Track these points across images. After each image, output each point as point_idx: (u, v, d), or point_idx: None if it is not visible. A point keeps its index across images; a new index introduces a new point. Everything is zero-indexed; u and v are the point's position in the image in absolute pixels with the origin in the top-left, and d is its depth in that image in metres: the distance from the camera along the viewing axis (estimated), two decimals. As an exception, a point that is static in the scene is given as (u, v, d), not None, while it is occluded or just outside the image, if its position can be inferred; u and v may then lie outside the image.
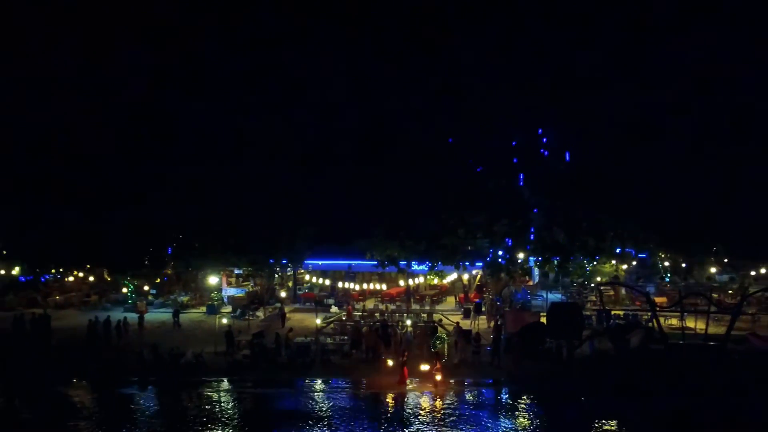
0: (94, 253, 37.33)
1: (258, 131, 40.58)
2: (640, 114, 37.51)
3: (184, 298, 40.99)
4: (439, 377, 23.47)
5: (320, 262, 41.79)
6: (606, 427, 19.78)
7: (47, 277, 45.52)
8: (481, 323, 32.45)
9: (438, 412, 20.71)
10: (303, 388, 23.51)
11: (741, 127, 38.36)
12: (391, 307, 37.45)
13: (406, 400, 22.00)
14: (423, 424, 19.45)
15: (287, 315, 35.33)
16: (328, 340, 28.41)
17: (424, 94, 41.24)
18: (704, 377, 22.38)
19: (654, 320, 26.19)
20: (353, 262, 39.87)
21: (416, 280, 41.51)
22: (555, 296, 40.11)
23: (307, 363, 25.90)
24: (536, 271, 40.86)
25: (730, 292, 39.11)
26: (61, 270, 42.81)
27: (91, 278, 44.19)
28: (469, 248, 34.86)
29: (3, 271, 43.62)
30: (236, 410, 21.35)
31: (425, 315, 34.52)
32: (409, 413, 20.55)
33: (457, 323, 29.28)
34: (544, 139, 34.87)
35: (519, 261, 34.90)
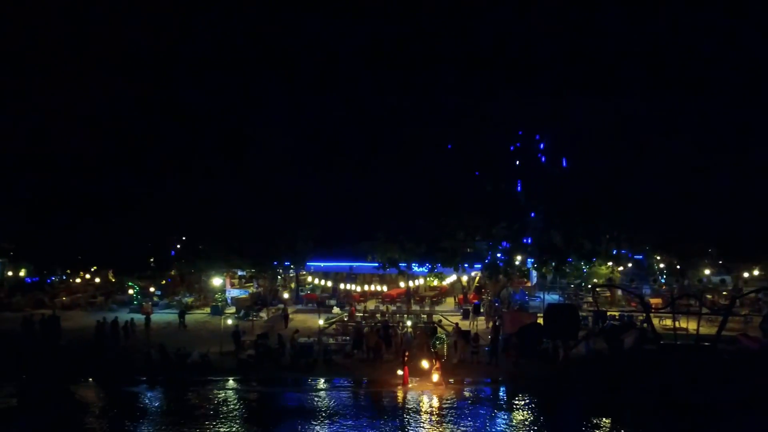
0: (101, 255, 38.03)
1: (261, 135, 41.22)
2: (635, 119, 38.17)
3: (189, 300, 41.58)
4: (438, 376, 24.07)
5: (322, 264, 42.39)
6: (600, 424, 20.49)
7: (53, 278, 46.36)
8: (480, 324, 33.00)
9: (438, 410, 21.44)
10: (307, 387, 24.22)
11: (736, 130, 38.99)
12: (392, 308, 37.97)
13: (406, 398, 22.70)
14: (423, 421, 20.19)
15: (290, 316, 35.96)
16: (331, 341, 29.03)
17: (424, 99, 41.92)
18: (695, 376, 23.06)
19: (649, 321, 26.89)
20: (354, 264, 40.36)
21: (416, 282, 42.06)
22: (552, 297, 40.79)
23: (310, 363, 26.52)
24: (534, 272, 41.58)
25: (724, 293, 39.82)
26: (68, 272, 43.48)
27: (97, 280, 44.85)
28: (468, 250, 35.55)
29: (10, 273, 44.37)
30: (243, 408, 22.05)
31: (425, 316, 35.08)
32: (409, 411, 21.26)
33: (457, 324, 29.83)
34: (541, 145, 35.61)
35: (517, 263, 35.60)
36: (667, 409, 21.33)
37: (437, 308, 39.90)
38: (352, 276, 42.01)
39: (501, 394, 24.12)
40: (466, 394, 23.62)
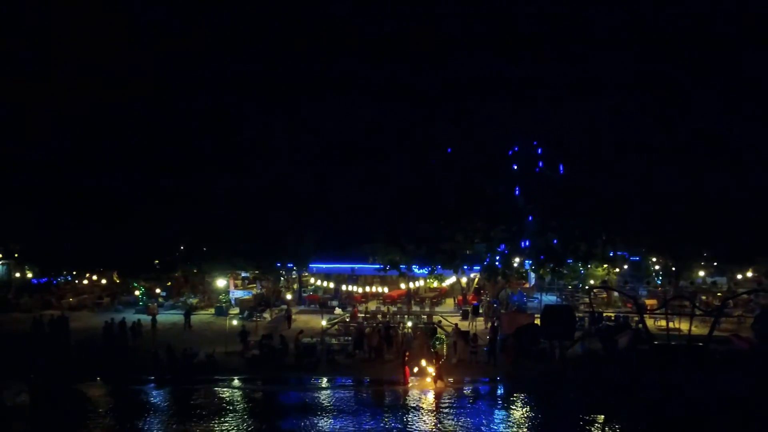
0: (107, 257, 38.76)
1: (264, 139, 41.87)
2: (631, 124, 38.86)
3: (193, 301, 42.28)
4: (438, 375, 24.70)
5: (324, 266, 43.04)
6: (594, 421, 21.22)
7: (59, 279, 47.10)
8: (479, 324, 33.53)
9: (437, 408, 22.16)
10: (311, 386, 24.90)
11: (730, 134, 39.57)
12: (393, 309, 38.57)
13: (407, 396, 23.41)
14: (423, 418, 20.94)
15: (293, 316, 36.60)
16: (333, 341, 29.67)
17: (424, 104, 42.63)
18: (687, 376, 23.76)
19: (643, 322, 27.56)
20: (356, 266, 40.91)
21: (416, 283, 42.67)
22: (550, 298, 41.43)
23: (313, 363, 27.19)
24: (532, 274, 42.26)
25: (719, 294, 40.51)
26: (75, 273, 44.21)
27: (103, 281, 45.58)
28: (468, 252, 36.17)
29: (18, 274, 45.14)
30: (250, 406, 22.79)
31: (425, 316, 35.65)
32: (410, 408, 21.99)
33: (456, 325, 30.41)
34: (539, 150, 36.32)
35: (515, 265, 36.30)
36: (659, 407, 22.04)
37: (437, 309, 40.41)
38: (353, 277, 42.59)
39: (499, 392, 24.84)
40: (465, 392, 24.34)
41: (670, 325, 30.42)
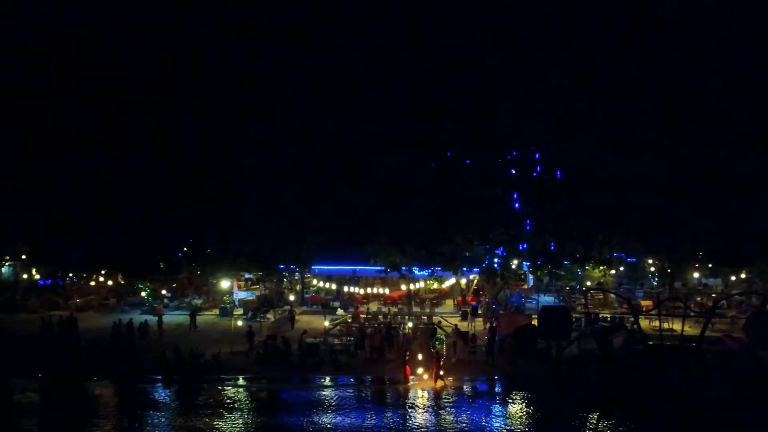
0: (114, 259, 39.55)
1: (268, 143, 42.55)
2: (627, 128, 39.52)
3: (198, 302, 43.02)
4: (438, 375, 25.36)
5: (326, 268, 43.79)
6: (589, 418, 21.96)
7: (65, 281, 47.87)
8: (478, 325, 34.18)
9: (437, 405, 22.94)
10: (315, 385, 25.61)
11: (723, 138, 40.17)
12: (394, 309, 39.21)
13: (408, 394, 24.19)
14: (423, 415, 21.72)
15: (296, 317, 37.33)
16: (336, 341, 30.36)
17: (424, 108, 43.36)
18: (678, 374, 24.53)
19: (637, 323, 28.33)
20: (358, 268, 41.68)
21: (417, 285, 43.31)
22: (548, 299, 42.20)
23: (316, 362, 27.93)
24: (530, 275, 43.02)
25: (713, 295, 41.29)
26: (83, 275, 45.01)
27: (110, 282, 46.33)
28: (467, 254, 36.95)
29: (25, 275, 45.90)
30: (256, 403, 23.52)
31: (425, 317, 36.28)
32: (410, 406, 22.78)
33: (456, 325, 31.13)
34: (537, 155, 37.09)
35: (513, 267, 37.07)
36: (652, 404, 22.79)
37: (437, 310, 41.04)
38: (355, 279, 43.30)
39: (497, 390, 25.60)
40: (464, 390, 25.09)
41: (665, 325, 31.17)
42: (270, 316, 38.94)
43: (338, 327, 33.85)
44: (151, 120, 43.53)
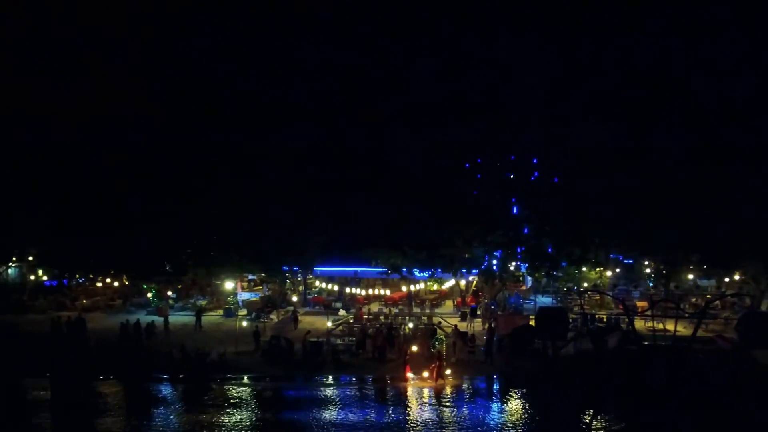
0: (121, 261, 40.34)
1: (271, 146, 43.31)
2: (624, 131, 40.27)
3: (203, 302, 43.78)
4: (438, 374, 26.09)
5: (328, 269, 44.51)
6: (584, 415, 22.72)
7: (70, 281, 48.66)
8: (477, 325, 34.89)
9: (436, 403, 23.72)
10: (318, 383, 26.39)
11: (717, 142, 40.85)
12: (394, 310, 39.94)
13: (408, 393, 24.97)
14: (423, 412, 22.52)
15: (299, 318, 38.11)
16: (338, 341, 31.11)
17: (424, 112, 44.17)
18: (670, 373, 25.28)
19: (631, 324, 29.09)
20: (359, 269, 42.38)
21: (417, 286, 43.89)
22: (546, 300, 42.97)
23: (319, 361, 28.71)
24: (529, 277, 43.78)
25: (708, 296, 42.02)
26: (90, 276, 45.78)
27: (116, 284, 47.11)
28: (466, 256, 37.63)
29: (33, 277, 46.68)
30: (262, 401, 24.28)
31: (425, 318, 37.00)
32: (411, 403, 23.58)
33: (456, 326, 31.85)
34: (534, 160, 37.88)
35: (511, 269, 37.82)
36: (645, 402, 23.56)
37: (437, 311, 41.80)
38: (356, 280, 43.95)
39: (494, 389, 26.38)
40: (463, 389, 25.86)
41: (659, 326, 31.95)
42: (273, 316, 39.63)
43: (340, 327, 34.50)
44: (158, 122, 44.31)
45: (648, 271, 45.37)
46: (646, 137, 39.19)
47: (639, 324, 32.09)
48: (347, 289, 43.68)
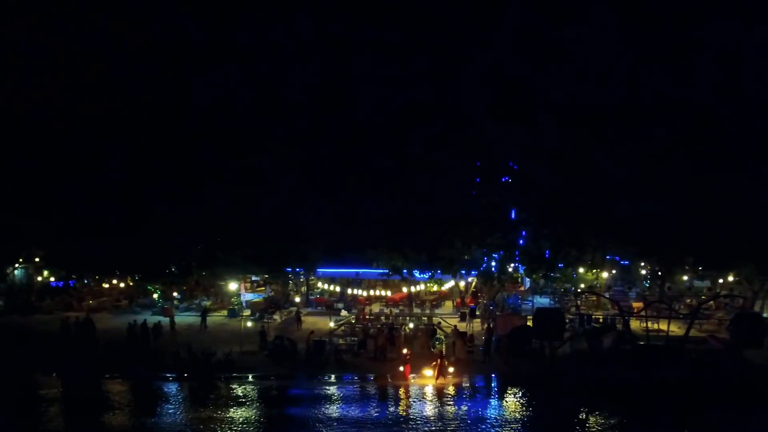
0: (127, 263, 41.05)
1: (274, 149, 43.98)
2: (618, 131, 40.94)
3: (207, 303, 44.47)
4: (439, 373, 26.81)
5: (331, 270, 45.19)
6: (579, 412, 23.46)
7: (75, 282, 49.36)
8: (476, 326, 35.53)
9: (436, 401, 24.47)
10: (321, 382, 27.12)
11: (713, 146, 41.48)
12: (395, 311, 40.60)
13: (408, 391, 25.71)
14: (423, 409, 23.28)
15: (301, 318, 38.81)
16: (340, 341, 31.80)
17: (424, 117, 44.87)
18: (663, 372, 26.03)
19: (626, 324, 29.79)
20: (361, 270, 43.15)
21: (417, 287, 44.62)
22: (543, 301, 43.62)
23: (322, 361, 29.47)
24: (527, 278, 44.48)
25: (703, 297, 42.69)
26: (97, 278, 46.48)
27: (122, 285, 47.79)
28: (466, 258, 38.36)
29: (39, 278, 47.39)
30: (267, 398, 25.04)
31: (425, 318, 37.67)
32: (411, 401, 24.36)
33: (455, 326, 32.59)
34: (531, 164, 38.63)
35: (509, 270, 38.54)
36: (639, 400, 24.30)
37: (437, 311, 42.43)
38: (358, 281, 44.67)
39: (492, 387, 27.11)
40: (462, 387, 26.60)
41: (654, 326, 32.62)
42: (276, 317, 40.25)
43: (342, 327, 35.16)
44: (161, 124, 44.90)
45: (644, 272, 46.02)
46: (642, 140, 39.80)
47: (634, 324, 32.71)
48: (349, 290, 44.41)
